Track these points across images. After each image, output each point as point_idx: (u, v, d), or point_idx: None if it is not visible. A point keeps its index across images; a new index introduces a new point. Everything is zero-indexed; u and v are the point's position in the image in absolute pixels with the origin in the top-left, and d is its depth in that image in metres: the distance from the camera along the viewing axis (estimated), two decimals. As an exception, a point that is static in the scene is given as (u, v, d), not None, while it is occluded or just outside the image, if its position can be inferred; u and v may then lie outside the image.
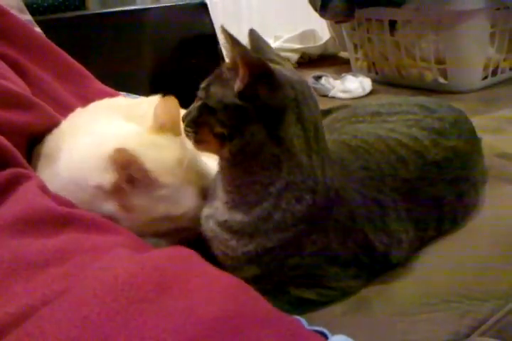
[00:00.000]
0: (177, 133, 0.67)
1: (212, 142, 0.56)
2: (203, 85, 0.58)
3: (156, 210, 0.62)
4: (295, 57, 1.92)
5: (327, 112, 0.91)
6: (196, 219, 0.63)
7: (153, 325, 0.39)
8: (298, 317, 0.51)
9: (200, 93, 0.58)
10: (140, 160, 0.60)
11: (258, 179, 0.56)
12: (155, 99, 0.87)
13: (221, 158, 0.59)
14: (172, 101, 0.69)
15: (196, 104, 0.58)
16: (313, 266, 0.59)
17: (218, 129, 0.55)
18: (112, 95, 0.91)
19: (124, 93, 1.00)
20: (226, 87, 0.55)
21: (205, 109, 0.56)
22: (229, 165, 0.58)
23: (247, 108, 0.53)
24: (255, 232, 0.57)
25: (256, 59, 0.53)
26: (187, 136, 0.59)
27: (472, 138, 0.77)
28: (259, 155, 0.55)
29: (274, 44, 1.94)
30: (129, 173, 0.60)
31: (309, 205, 0.56)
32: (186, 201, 0.63)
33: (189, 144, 0.63)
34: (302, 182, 0.56)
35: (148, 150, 0.64)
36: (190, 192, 0.64)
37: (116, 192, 0.62)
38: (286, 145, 0.55)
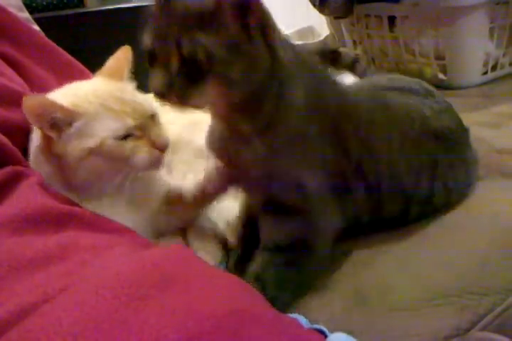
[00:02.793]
0: (120, 79, 0.69)
1: (216, 88, 0.55)
2: (185, 45, 0.52)
3: (79, 146, 0.61)
4: (294, 53, 1.91)
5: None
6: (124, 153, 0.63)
7: (153, 321, 0.39)
8: (298, 315, 0.51)
9: (182, 52, 0.53)
10: (49, 99, 0.60)
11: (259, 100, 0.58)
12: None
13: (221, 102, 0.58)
14: (126, 50, 0.71)
15: (174, 68, 0.54)
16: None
17: (231, 73, 0.54)
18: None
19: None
20: (215, 32, 0.52)
21: (196, 64, 0.53)
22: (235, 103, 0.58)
23: (247, 36, 0.53)
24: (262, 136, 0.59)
25: None
26: (181, 101, 0.56)
27: (462, 126, 0.81)
28: (259, 73, 0.56)
29: (273, 41, 1.93)
30: (49, 117, 0.59)
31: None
32: (102, 131, 0.62)
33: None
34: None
35: (64, 91, 0.65)
36: (109, 120, 0.62)
37: (45, 144, 0.62)
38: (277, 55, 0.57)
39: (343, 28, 1.67)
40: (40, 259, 0.47)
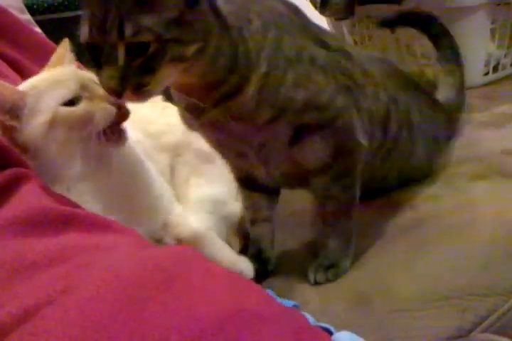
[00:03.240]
0: (59, 64, 0.70)
1: (174, 70, 0.52)
2: (128, 32, 0.47)
3: (37, 124, 0.61)
4: (295, 54, 1.91)
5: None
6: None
7: (156, 322, 0.39)
8: (305, 313, 0.52)
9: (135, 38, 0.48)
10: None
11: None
12: (156, 101, 0.87)
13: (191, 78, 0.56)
14: (64, 43, 0.73)
15: (122, 59, 0.49)
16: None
17: (190, 49, 0.51)
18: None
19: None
20: (156, 11, 0.48)
21: (146, 49, 0.49)
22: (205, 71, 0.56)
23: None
24: None
25: None
26: (139, 95, 0.52)
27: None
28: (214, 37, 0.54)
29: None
30: (8, 105, 0.60)
31: None
32: (51, 102, 0.62)
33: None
34: None
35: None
36: (54, 90, 0.62)
37: (8, 137, 0.61)
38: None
39: (344, 29, 1.67)
40: (42, 261, 0.47)
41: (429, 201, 0.79)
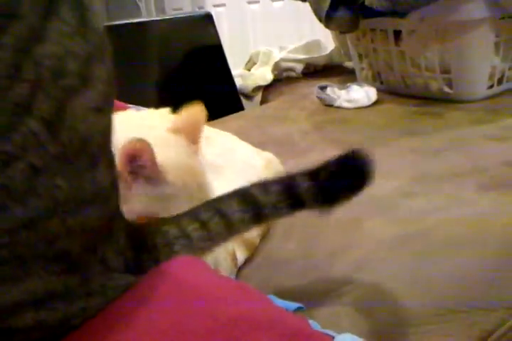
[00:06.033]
0: (194, 141, 0.67)
1: None
2: None
3: (152, 207, 0.59)
4: (300, 67, 1.93)
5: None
6: None
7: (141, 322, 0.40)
8: (311, 321, 0.51)
9: None
10: (152, 151, 0.57)
11: None
12: (165, 111, 0.88)
13: None
14: (198, 108, 0.68)
15: None
16: None
17: None
18: (119, 108, 0.92)
19: (132, 106, 1.01)
20: None
21: None
22: None
23: None
24: None
25: None
26: None
27: None
28: None
29: (279, 54, 1.95)
30: (136, 164, 0.57)
31: None
32: (180, 206, 0.58)
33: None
34: None
35: (160, 146, 0.61)
36: (184, 204, 0.59)
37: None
38: None
39: (349, 42, 1.68)
40: None
41: (435, 212, 0.79)
